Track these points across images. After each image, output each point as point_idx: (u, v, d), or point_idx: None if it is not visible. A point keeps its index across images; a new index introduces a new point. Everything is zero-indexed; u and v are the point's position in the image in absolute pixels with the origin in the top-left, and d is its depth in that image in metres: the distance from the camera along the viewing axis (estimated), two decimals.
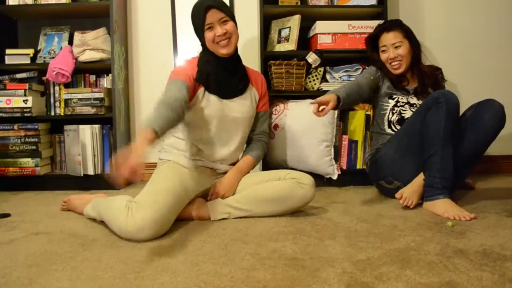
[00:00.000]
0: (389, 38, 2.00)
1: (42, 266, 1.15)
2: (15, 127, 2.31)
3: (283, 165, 2.24)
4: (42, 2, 2.33)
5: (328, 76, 2.33)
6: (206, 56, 1.69)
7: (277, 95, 2.34)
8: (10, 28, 2.52)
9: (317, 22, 2.30)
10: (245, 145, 1.85)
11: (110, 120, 2.33)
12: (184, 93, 1.53)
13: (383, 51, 2.04)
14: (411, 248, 1.25)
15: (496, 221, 1.52)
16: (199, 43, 1.71)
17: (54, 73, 2.24)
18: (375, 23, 2.19)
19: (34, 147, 2.32)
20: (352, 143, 2.29)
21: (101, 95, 2.33)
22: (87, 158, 2.32)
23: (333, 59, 2.35)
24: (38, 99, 2.38)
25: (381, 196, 1.99)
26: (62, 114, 2.38)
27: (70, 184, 2.34)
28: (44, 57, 2.42)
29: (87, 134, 2.31)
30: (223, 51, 1.65)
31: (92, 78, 2.45)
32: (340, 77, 2.31)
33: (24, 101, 2.29)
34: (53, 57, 2.38)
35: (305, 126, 2.15)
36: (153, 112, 1.39)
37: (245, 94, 1.76)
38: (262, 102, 1.85)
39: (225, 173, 1.74)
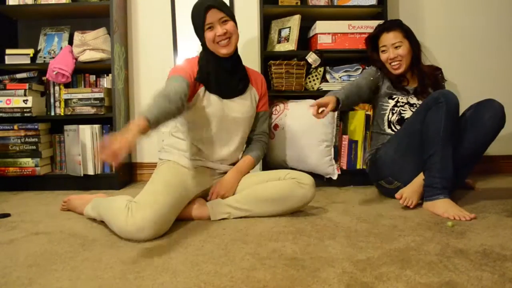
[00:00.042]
0: (389, 38, 2.00)
1: (42, 266, 1.15)
2: (15, 127, 2.31)
3: (283, 165, 2.24)
4: (42, 2, 2.33)
5: (328, 76, 2.33)
6: (206, 56, 1.69)
7: (277, 95, 2.34)
8: (10, 28, 2.52)
9: (317, 22, 2.30)
10: (244, 145, 1.85)
11: (110, 120, 2.33)
12: (185, 88, 1.52)
13: (383, 51, 2.04)
14: (411, 248, 1.25)
15: (496, 221, 1.52)
16: (199, 43, 1.71)
17: (54, 73, 2.24)
18: (375, 23, 2.19)
19: (34, 147, 2.32)
20: (352, 143, 2.29)
21: (101, 95, 2.33)
22: (87, 158, 2.32)
23: (333, 59, 2.35)
24: (38, 99, 2.38)
25: (381, 196, 1.99)
26: (62, 114, 2.38)
27: (70, 184, 2.34)
28: (44, 57, 2.42)
29: (87, 134, 2.31)
30: (223, 51, 1.65)
31: (92, 78, 2.45)
32: (340, 77, 2.31)
33: (24, 101, 2.29)
34: (53, 57, 2.38)
35: (305, 126, 2.15)
36: (150, 102, 1.38)
37: (245, 94, 1.76)
38: (262, 102, 1.85)
39: (225, 173, 1.74)
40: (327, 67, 2.33)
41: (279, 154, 2.24)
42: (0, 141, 2.32)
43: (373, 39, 2.11)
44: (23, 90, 2.30)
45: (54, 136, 2.47)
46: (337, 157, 2.25)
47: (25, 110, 2.29)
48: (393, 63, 2.01)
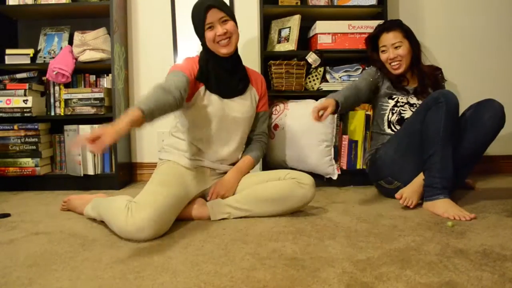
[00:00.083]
0: (389, 38, 2.00)
1: (42, 266, 1.15)
2: (15, 127, 2.31)
3: (283, 165, 2.24)
4: (42, 2, 2.33)
5: (328, 76, 2.33)
6: (207, 56, 1.69)
7: (277, 95, 2.34)
8: (10, 28, 2.52)
9: (317, 22, 2.30)
10: (244, 145, 1.85)
11: (110, 120, 2.32)
12: (184, 82, 1.51)
13: (383, 51, 2.04)
14: (411, 248, 1.25)
15: (496, 221, 1.52)
16: (199, 43, 1.71)
17: (54, 73, 2.24)
18: (375, 23, 2.19)
19: (34, 147, 2.32)
20: (352, 143, 2.29)
21: (101, 95, 2.33)
22: (87, 158, 2.32)
23: (333, 59, 2.35)
24: (38, 99, 2.38)
25: (381, 196, 1.99)
26: (62, 114, 2.38)
27: (70, 184, 2.34)
28: (44, 57, 2.42)
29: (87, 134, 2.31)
30: (224, 51, 1.65)
31: (92, 78, 2.45)
32: (340, 77, 2.31)
33: (24, 101, 2.29)
34: (53, 57, 2.38)
35: (305, 126, 2.15)
36: (147, 93, 1.38)
37: (245, 94, 1.76)
38: (262, 102, 1.85)
39: (225, 173, 1.74)
40: (327, 67, 2.33)
41: (279, 154, 2.24)
42: (0, 141, 2.32)
43: (373, 39, 2.11)
44: (23, 90, 2.30)
45: (54, 136, 2.47)
46: (337, 157, 2.25)
47: (25, 110, 2.29)
48: (393, 63, 2.01)
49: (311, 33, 2.40)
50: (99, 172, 2.36)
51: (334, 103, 1.72)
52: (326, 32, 2.29)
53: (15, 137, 2.31)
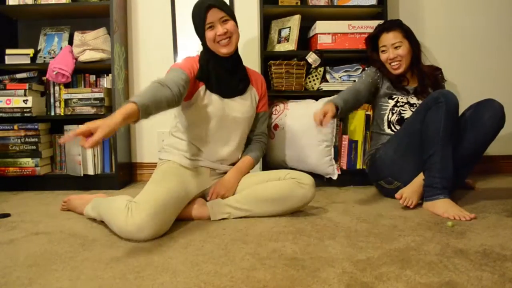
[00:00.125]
0: (389, 38, 2.00)
1: (42, 266, 1.15)
2: (15, 127, 2.31)
3: (283, 165, 2.24)
4: (42, 2, 2.33)
5: (328, 76, 2.33)
6: (207, 55, 1.69)
7: (277, 95, 2.34)
8: (10, 28, 2.52)
9: (317, 22, 2.30)
10: (244, 145, 1.85)
11: None
12: (183, 79, 1.51)
13: (382, 51, 2.04)
14: (411, 248, 1.25)
15: (496, 221, 1.52)
16: (200, 43, 1.71)
17: (54, 73, 2.24)
18: (375, 23, 2.19)
19: (34, 147, 2.32)
20: (352, 143, 2.29)
21: (101, 95, 2.33)
22: (87, 158, 2.32)
23: (333, 59, 2.35)
24: (38, 99, 2.38)
25: (381, 196, 1.99)
26: (62, 114, 2.38)
27: (70, 184, 2.34)
28: (44, 57, 2.42)
29: None
30: (224, 51, 1.65)
31: (92, 78, 2.45)
32: (340, 77, 2.31)
33: (24, 101, 2.29)
34: (53, 57, 2.38)
35: (305, 126, 2.15)
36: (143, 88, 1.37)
37: (246, 94, 1.76)
38: (262, 102, 1.85)
39: (225, 173, 1.74)
40: (327, 67, 2.33)
41: (279, 154, 2.24)
42: (0, 141, 2.32)
43: (373, 39, 2.11)
44: (23, 90, 2.30)
45: (54, 136, 2.47)
46: (337, 157, 2.25)
47: (25, 110, 2.29)
48: (392, 63, 2.01)
49: (311, 33, 2.40)
50: (99, 172, 2.36)
51: (334, 108, 1.72)
52: (326, 32, 2.29)
53: (15, 137, 2.31)
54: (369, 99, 2.08)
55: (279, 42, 2.36)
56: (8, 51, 2.36)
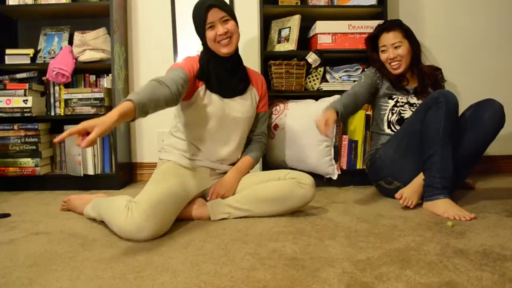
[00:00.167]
0: (389, 38, 2.00)
1: (42, 266, 1.15)
2: (15, 127, 2.31)
3: (283, 165, 2.24)
4: (42, 2, 2.33)
5: (328, 76, 2.33)
6: (207, 55, 1.69)
7: (277, 95, 2.34)
8: (10, 28, 2.52)
9: (317, 22, 2.30)
10: (244, 145, 1.85)
11: None
12: (182, 78, 1.50)
13: (382, 51, 2.04)
14: (411, 248, 1.25)
15: (496, 221, 1.52)
16: (200, 43, 1.71)
17: (54, 73, 2.24)
18: (375, 23, 2.19)
19: (34, 147, 2.32)
20: (352, 143, 2.29)
21: (101, 95, 2.33)
22: (87, 158, 2.32)
23: (333, 59, 2.35)
24: (38, 99, 2.38)
25: (381, 196, 1.99)
26: (62, 114, 2.38)
27: (70, 184, 2.34)
28: (44, 57, 2.42)
29: None
30: (224, 50, 1.65)
31: (92, 78, 2.45)
32: (340, 77, 2.31)
33: (24, 101, 2.29)
34: (53, 57, 2.38)
35: (305, 126, 2.15)
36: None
37: (246, 94, 1.76)
38: (262, 102, 1.85)
39: (225, 173, 1.74)
40: (327, 67, 2.33)
41: (279, 154, 2.24)
42: (0, 141, 2.32)
43: (373, 39, 2.11)
44: (23, 90, 2.30)
45: (54, 136, 2.47)
46: (337, 157, 2.25)
47: (25, 110, 2.29)
48: (392, 63, 2.01)
49: (311, 33, 2.40)
50: (99, 172, 2.36)
51: (334, 114, 1.74)
52: (326, 32, 2.29)
53: (15, 137, 2.31)
54: (369, 100, 2.08)
55: (279, 42, 2.36)
56: (8, 51, 2.36)
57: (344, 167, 2.29)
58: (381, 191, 2.02)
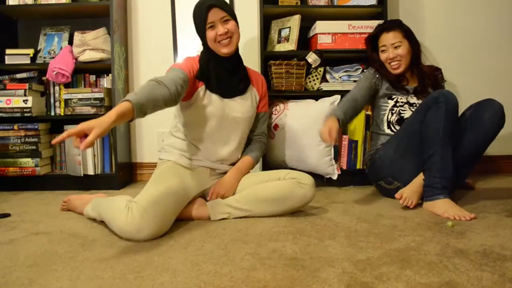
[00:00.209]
0: (389, 38, 2.00)
1: (42, 266, 1.15)
2: (15, 127, 2.31)
3: (283, 165, 2.24)
4: (42, 2, 2.33)
5: (328, 76, 2.33)
6: (207, 55, 1.69)
7: (277, 95, 2.34)
8: (10, 28, 2.52)
9: (317, 22, 2.30)
10: (244, 145, 1.85)
11: None
12: (182, 78, 1.50)
13: (382, 51, 2.04)
14: (411, 248, 1.25)
15: (496, 221, 1.52)
16: (200, 43, 1.71)
17: (54, 73, 2.24)
18: (375, 23, 2.19)
19: (34, 147, 2.32)
20: (352, 143, 2.29)
21: (101, 95, 2.33)
22: (87, 158, 2.32)
23: (333, 59, 2.35)
24: (38, 99, 2.38)
25: (381, 196, 1.99)
26: (62, 114, 2.38)
27: (70, 184, 2.34)
28: (44, 57, 2.42)
29: None
30: (225, 50, 1.65)
31: (92, 78, 2.45)
32: (340, 77, 2.31)
33: (24, 101, 2.29)
34: (53, 57, 2.38)
35: (305, 126, 2.15)
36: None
37: (246, 94, 1.76)
38: (262, 102, 1.85)
39: (225, 173, 1.74)
40: (327, 67, 2.33)
41: (279, 154, 2.24)
42: (0, 141, 2.32)
43: (373, 39, 2.11)
44: (23, 90, 2.30)
45: (54, 136, 2.47)
46: (337, 157, 2.24)
47: (25, 110, 2.29)
48: (392, 63, 2.01)
49: (311, 33, 2.40)
50: (99, 172, 2.36)
51: (336, 122, 1.77)
52: (326, 32, 2.29)
53: (15, 137, 2.31)
54: (369, 103, 2.09)
55: (279, 42, 2.36)
56: (8, 51, 2.36)
57: (344, 167, 2.29)
58: (381, 191, 2.02)
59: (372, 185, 2.12)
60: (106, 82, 2.44)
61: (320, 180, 2.18)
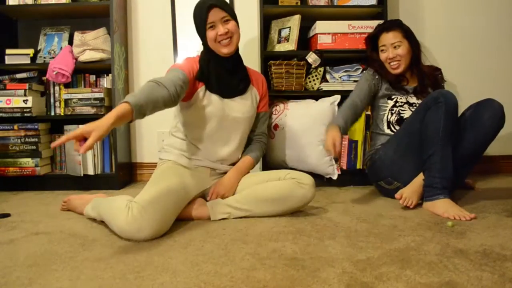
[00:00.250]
0: (389, 38, 2.00)
1: (42, 266, 1.15)
2: (15, 127, 2.31)
3: (283, 165, 2.24)
4: (42, 2, 2.33)
5: (328, 76, 2.33)
6: (207, 55, 1.69)
7: (277, 95, 2.34)
8: (10, 28, 2.52)
9: (317, 22, 2.30)
10: (244, 145, 1.85)
11: None
12: (181, 79, 1.50)
13: (382, 50, 2.04)
14: (411, 248, 1.25)
15: (496, 221, 1.52)
16: (200, 43, 1.71)
17: (54, 73, 2.24)
18: (375, 23, 2.19)
19: (34, 147, 2.32)
20: (352, 143, 2.29)
21: (101, 95, 2.33)
22: (87, 158, 2.32)
23: (333, 59, 2.35)
24: (38, 99, 2.38)
25: (381, 196, 1.99)
26: (62, 114, 2.38)
27: (70, 184, 2.34)
28: (44, 57, 2.42)
29: None
30: (225, 51, 1.65)
31: (92, 78, 2.45)
32: (340, 77, 2.31)
33: (24, 101, 2.29)
34: (53, 57, 2.38)
35: (305, 126, 2.15)
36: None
37: (246, 94, 1.76)
38: (263, 102, 1.85)
39: (225, 173, 1.74)
40: (327, 67, 2.33)
41: (279, 154, 2.24)
42: (0, 141, 2.32)
43: (372, 39, 2.11)
44: (23, 90, 2.30)
45: (54, 136, 2.47)
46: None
47: (25, 110, 2.29)
48: (392, 63, 2.01)
49: (311, 33, 2.40)
50: (99, 172, 2.36)
51: (338, 132, 1.78)
52: (326, 32, 2.29)
53: (15, 137, 2.31)
54: (369, 104, 2.09)
55: (279, 42, 2.36)
56: (8, 51, 2.36)
57: (344, 167, 2.29)
58: (381, 191, 2.02)
59: (372, 185, 2.12)
60: (106, 82, 2.45)
61: (320, 180, 2.18)
